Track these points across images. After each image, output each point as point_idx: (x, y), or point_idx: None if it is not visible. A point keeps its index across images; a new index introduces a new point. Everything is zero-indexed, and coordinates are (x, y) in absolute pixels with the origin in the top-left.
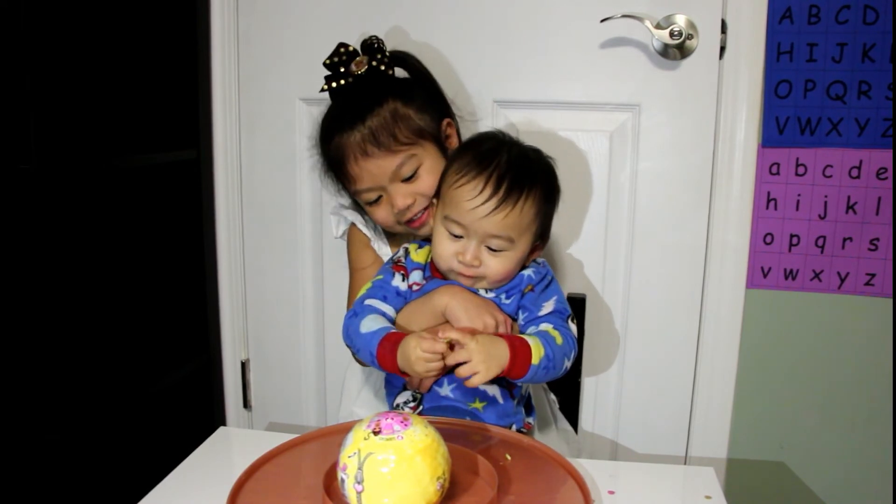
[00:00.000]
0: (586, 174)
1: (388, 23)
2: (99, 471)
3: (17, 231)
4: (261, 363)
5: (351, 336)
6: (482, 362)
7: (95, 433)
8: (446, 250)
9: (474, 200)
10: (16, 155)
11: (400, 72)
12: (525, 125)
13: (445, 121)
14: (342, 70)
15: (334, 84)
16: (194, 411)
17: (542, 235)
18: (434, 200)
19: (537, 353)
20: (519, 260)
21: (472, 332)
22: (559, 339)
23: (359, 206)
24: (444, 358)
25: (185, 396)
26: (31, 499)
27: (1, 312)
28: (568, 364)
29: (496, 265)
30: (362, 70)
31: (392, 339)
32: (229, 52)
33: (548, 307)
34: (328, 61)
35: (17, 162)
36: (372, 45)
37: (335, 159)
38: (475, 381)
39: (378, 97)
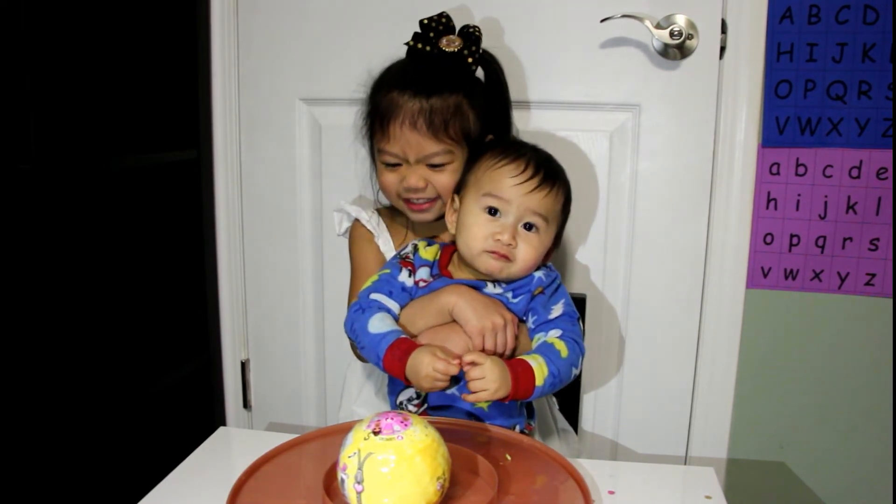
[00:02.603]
0: (586, 174)
1: (388, 23)
2: (99, 471)
3: (16, 231)
4: (261, 363)
5: (357, 332)
6: (493, 381)
7: (96, 433)
8: (483, 230)
9: (519, 177)
10: (15, 155)
11: None
12: (525, 125)
13: (489, 136)
14: (431, 36)
15: (419, 45)
16: (194, 411)
17: (557, 236)
18: (455, 196)
19: (541, 374)
20: (543, 251)
21: (486, 354)
22: (565, 352)
23: (362, 202)
24: (451, 378)
25: (185, 396)
26: (31, 499)
27: (1, 312)
28: (576, 371)
29: (527, 250)
30: (450, 50)
31: (402, 347)
32: (229, 52)
33: (557, 310)
34: (426, 21)
35: (16, 162)
36: (471, 35)
37: (383, 109)
38: (480, 398)
39: (452, 83)
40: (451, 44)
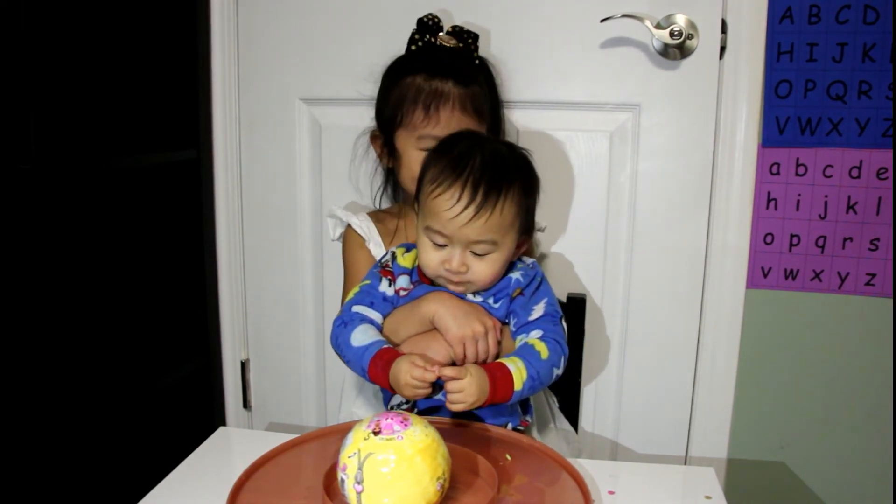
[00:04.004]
0: (586, 174)
1: (388, 23)
2: (99, 471)
3: (16, 231)
4: (261, 363)
5: (341, 346)
6: (472, 395)
7: (96, 433)
8: (432, 260)
9: (453, 209)
10: (15, 155)
11: None
12: (525, 125)
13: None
14: (429, 37)
15: (427, 37)
16: (194, 411)
17: (526, 230)
18: (416, 203)
19: (519, 378)
20: (506, 260)
21: (463, 362)
22: (545, 353)
23: (355, 207)
24: (432, 385)
25: (185, 396)
26: (31, 499)
27: (0, 312)
28: (558, 372)
29: (483, 269)
30: (450, 45)
31: (384, 358)
32: (229, 52)
33: (538, 311)
34: (424, 19)
35: (16, 162)
36: (463, 34)
37: (427, 95)
38: (458, 409)
39: (477, 74)
40: (447, 42)
